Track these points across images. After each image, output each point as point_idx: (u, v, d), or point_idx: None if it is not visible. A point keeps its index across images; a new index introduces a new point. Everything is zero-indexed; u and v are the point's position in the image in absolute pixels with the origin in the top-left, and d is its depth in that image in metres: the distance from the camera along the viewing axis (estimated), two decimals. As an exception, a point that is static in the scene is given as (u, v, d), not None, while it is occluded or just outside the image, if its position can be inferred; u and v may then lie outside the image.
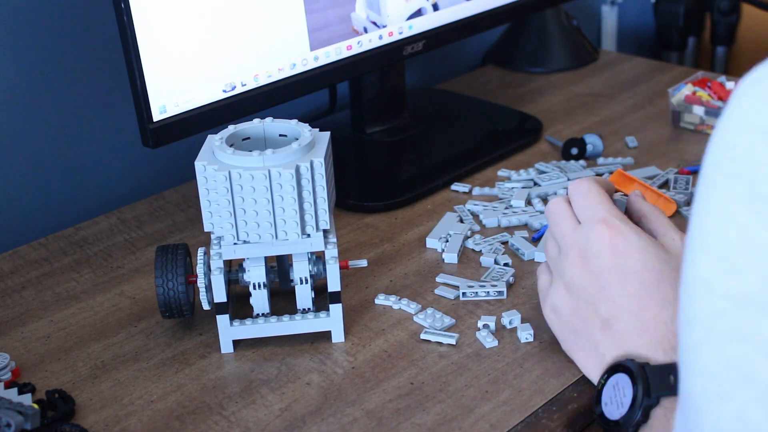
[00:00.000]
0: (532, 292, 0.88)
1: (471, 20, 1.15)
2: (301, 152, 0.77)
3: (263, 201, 0.76)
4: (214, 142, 0.78)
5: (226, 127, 0.82)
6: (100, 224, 1.05)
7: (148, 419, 0.76)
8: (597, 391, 0.70)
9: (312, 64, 1.01)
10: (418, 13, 1.09)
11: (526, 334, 0.81)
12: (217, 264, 0.79)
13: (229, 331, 0.81)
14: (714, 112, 1.15)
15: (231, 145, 0.79)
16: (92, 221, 1.06)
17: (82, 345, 0.85)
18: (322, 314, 0.82)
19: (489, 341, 0.81)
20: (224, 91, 0.94)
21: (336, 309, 0.82)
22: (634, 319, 0.69)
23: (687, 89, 1.18)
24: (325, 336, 0.84)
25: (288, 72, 0.99)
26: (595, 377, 0.73)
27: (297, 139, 0.80)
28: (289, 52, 0.98)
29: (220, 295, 0.80)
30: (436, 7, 1.11)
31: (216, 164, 0.76)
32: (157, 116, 0.90)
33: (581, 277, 0.73)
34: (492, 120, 1.24)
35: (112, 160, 1.13)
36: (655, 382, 0.66)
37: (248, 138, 0.82)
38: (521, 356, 0.80)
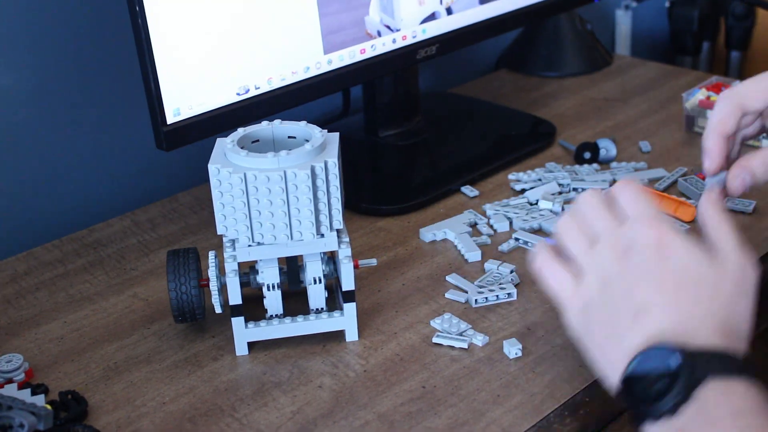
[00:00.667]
0: (544, 296, 0.88)
1: (484, 24, 1.15)
2: (314, 153, 0.78)
3: (279, 202, 0.77)
4: (225, 144, 0.79)
5: (236, 130, 0.82)
6: (114, 226, 1.06)
7: (160, 421, 0.76)
8: (624, 376, 0.66)
9: (326, 68, 1.01)
10: (432, 17, 1.09)
11: (515, 350, 0.81)
12: (231, 266, 0.79)
13: (244, 333, 0.82)
14: (728, 117, 1.14)
15: (242, 148, 0.79)
16: (106, 223, 1.06)
17: (95, 346, 0.86)
18: (336, 314, 0.82)
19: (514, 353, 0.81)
20: (238, 94, 0.94)
21: (350, 308, 0.82)
22: (668, 312, 0.67)
23: (701, 94, 1.18)
24: (337, 339, 0.84)
25: (302, 75, 0.99)
26: (618, 371, 0.67)
27: (307, 140, 0.80)
28: (302, 56, 0.98)
29: (236, 298, 0.80)
30: (449, 11, 1.11)
31: (230, 167, 0.76)
32: (170, 119, 0.90)
33: (621, 271, 0.70)
34: (505, 124, 1.24)
35: (125, 162, 1.14)
36: (701, 361, 0.63)
37: (257, 140, 0.82)
38: (533, 360, 0.80)
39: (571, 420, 0.74)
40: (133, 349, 0.85)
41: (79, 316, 0.90)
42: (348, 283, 0.81)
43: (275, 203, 0.77)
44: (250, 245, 0.79)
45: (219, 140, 0.81)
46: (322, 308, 0.83)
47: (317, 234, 0.79)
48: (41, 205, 1.08)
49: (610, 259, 0.72)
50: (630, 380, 0.65)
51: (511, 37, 1.48)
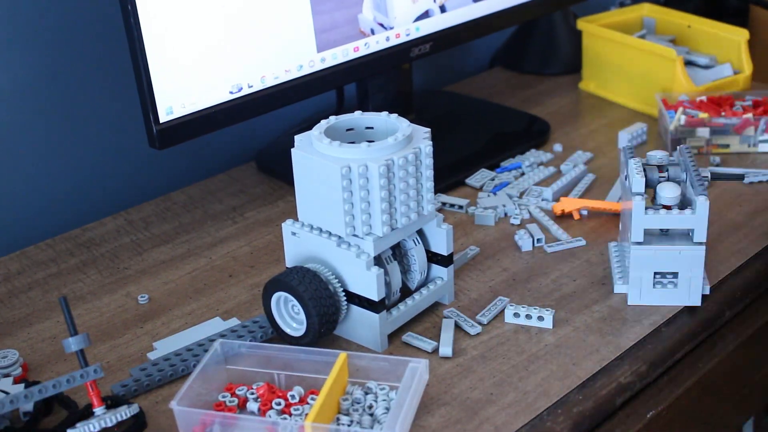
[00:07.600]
0: (537, 294, 0.88)
1: (478, 22, 1.15)
2: (405, 142, 0.80)
3: (405, 185, 0.79)
4: (316, 138, 0.79)
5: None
6: (107, 225, 1.06)
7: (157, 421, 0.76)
8: None
9: (319, 66, 1.01)
10: (426, 14, 1.09)
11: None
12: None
13: (386, 326, 0.82)
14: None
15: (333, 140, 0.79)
16: (99, 222, 1.06)
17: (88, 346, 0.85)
18: (431, 285, 0.85)
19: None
20: (231, 92, 0.94)
21: (448, 272, 0.86)
22: None
23: (681, 113, 1.12)
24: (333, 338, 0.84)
25: (295, 74, 0.99)
26: None
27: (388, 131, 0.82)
28: (296, 54, 0.98)
29: (380, 291, 0.80)
30: (443, 9, 1.11)
31: (357, 162, 0.77)
32: (163, 117, 0.90)
33: None
34: (500, 122, 1.24)
35: (119, 161, 1.13)
36: None
37: (352, 129, 0.83)
38: (526, 359, 0.80)
39: (564, 418, 0.74)
40: (126, 348, 0.85)
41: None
42: (447, 247, 0.84)
43: (401, 188, 0.79)
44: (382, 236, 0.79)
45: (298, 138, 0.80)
46: (424, 272, 0.85)
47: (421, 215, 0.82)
48: (34, 204, 1.08)
49: None
50: None
51: (505, 35, 1.47)
